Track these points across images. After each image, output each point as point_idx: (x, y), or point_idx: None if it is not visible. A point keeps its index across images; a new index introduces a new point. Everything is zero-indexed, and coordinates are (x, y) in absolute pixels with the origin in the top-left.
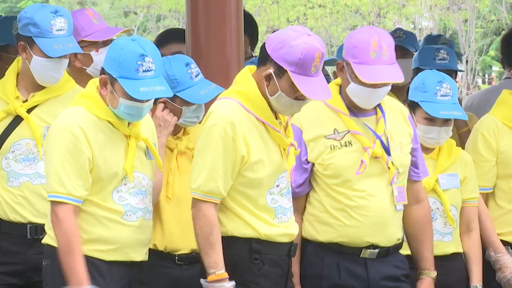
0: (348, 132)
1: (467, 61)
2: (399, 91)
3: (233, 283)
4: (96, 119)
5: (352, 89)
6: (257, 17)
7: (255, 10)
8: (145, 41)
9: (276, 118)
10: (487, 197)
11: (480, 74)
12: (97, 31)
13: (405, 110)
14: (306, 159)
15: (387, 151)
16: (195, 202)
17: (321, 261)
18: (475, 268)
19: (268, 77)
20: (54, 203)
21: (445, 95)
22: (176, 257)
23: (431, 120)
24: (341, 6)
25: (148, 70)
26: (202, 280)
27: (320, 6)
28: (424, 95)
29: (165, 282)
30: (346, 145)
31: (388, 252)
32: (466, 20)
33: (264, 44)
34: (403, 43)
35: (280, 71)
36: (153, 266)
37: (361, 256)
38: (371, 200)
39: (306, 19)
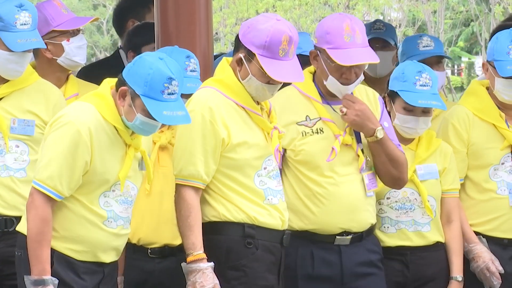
0: (320, 119)
1: None
2: (380, 83)
3: (210, 264)
4: (104, 122)
5: (327, 79)
6: (226, 9)
7: (224, 2)
8: (172, 63)
9: (258, 104)
10: None
11: (450, 65)
12: (66, 20)
13: (374, 93)
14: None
15: (358, 138)
16: (177, 187)
17: (295, 250)
18: (455, 259)
19: (240, 62)
20: (36, 190)
21: (424, 85)
22: (149, 250)
23: (410, 110)
24: None
25: (172, 93)
26: (182, 264)
27: None
28: (403, 84)
29: (137, 275)
30: (317, 132)
31: (362, 237)
32: (435, 11)
33: (237, 33)
34: (383, 35)
35: (250, 55)
36: (126, 258)
37: (334, 243)
38: (341, 187)
39: (275, 10)
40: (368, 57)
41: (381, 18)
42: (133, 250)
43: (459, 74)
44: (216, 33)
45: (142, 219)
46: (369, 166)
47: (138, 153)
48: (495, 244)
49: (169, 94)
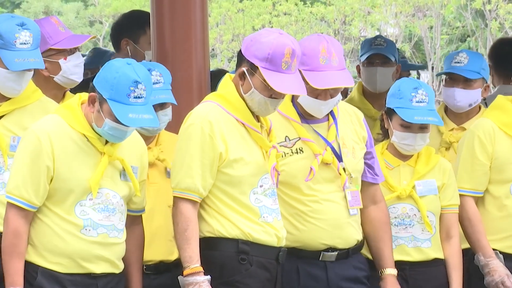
0: (299, 139)
1: (432, 68)
2: (380, 98)
3: (207, 277)
4: (71, 130)
5: (302, 100)
6: (223, 25)
7: (220, 19)
8: (140, 67)
9: (258, 121)
10: (477, 201)
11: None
12: (64, 39)
13: (359, 113)
14: None
15: (339, 157)
16: (174, 200)
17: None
18: (455, 275)
19: (242, 75)
20: (8, 203)
21: (420, 101)
22: (144, 267)
23: (407, 126)
24: (307, 14)
25: (139, 97)
26: (179, 277)
27: (285, 14)
28: (400, 101)
29: None
30: (297, 152)
31: (348, 254)
32: (431, 27)
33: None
34: (384, 51)
35: (253, 68)
36: None
37: (320, 259)
38: (324, 204)
39: (272, 26)
40: (343, 80)
41: (377, 34)
42: None
43: None
44: (213, 49)
45: None
46: (354, 184)
47: (118, 163)
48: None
49: (135, 97)
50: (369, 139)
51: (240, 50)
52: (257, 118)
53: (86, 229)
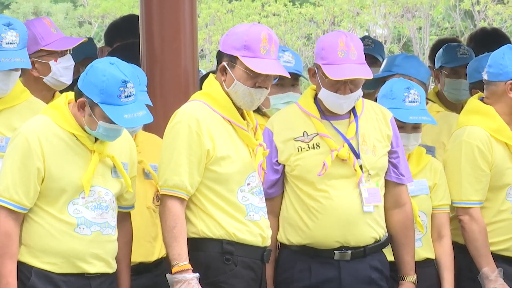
0: (317, 134)
1: None
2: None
3: (196, 275)
4: (60, 130)
5: (323, 95)
6: (212, 26)
7: (209, 19)
8: (124, 65)
9: (244, 120)
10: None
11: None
12: (55, 40)
13: (387, 113)
14: (277, 161)
15: (356, 154)
16: (162, 198)
17: (293, 265)
18: (446, 274)
19: (224, 70)
20: None
21: (413, 101)
22: None
23: (400, 127)
24: (296, 14)
25: (129, 96)
26: (167, 275)
27: (274, 15)
28: (392, 102)
29: None
30: (314, 147)
31: (365, 253)
32: (420, 28)
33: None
34: (372, 52)
35: (232, 60)
36: None
37: (334, 258)
38: (335, 200)
39: None
40: (361, 72)
41: (366, 35)
42: None
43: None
44: (202, 50)
45: None
46: (373, 180)
47: (108, 160)
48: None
49: (126, 97)
50: (395, 138)
51: (219, 50)
52: (243, 117)
53: (79, 228)
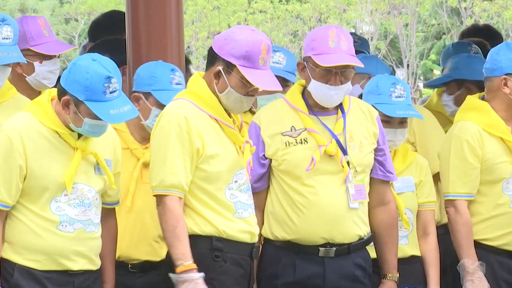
0: (305, 130)
1: (408, 65)
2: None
3: (201, 274)
4: (42, 127)
5: (313, 88)
6: (198, 23)
7: (196, 16)
8: (106, 60)
9: (230, 117)
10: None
11: (422, 78)
12: (45, 43)
13: (374, 111)
14: (264, 155)
15: (343, 150)
16: (159, 199)
17: (278, 261)
18: (432, 271)
19: (218, 75)
20: None
21: (399, 96)
22: (130, 265)
23: (387, 122)
24: (282, 11)
25: (114, 91)
26: (170, 274)
27: (260, 12)
28: (379, 97)
29: None
30: (301, 142)
31: (349, 250)
32: (407, 25)
33: (211, 46)
34: (358, 48)
35: (229, 67)
36: None
37: (319, 255)
38: (322, 196)
39: (247, 24)
40: (352, 60)
41: (353, 31)
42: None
43: None
44: (188, 47)
45: (122, 235)
46: (359, 177)
47: (91, 157)
48: (509, 257)
49: (111, 92)
50: (381, 136)
51: (211, 48)
52: (229, 114)
53: (62, 225)
